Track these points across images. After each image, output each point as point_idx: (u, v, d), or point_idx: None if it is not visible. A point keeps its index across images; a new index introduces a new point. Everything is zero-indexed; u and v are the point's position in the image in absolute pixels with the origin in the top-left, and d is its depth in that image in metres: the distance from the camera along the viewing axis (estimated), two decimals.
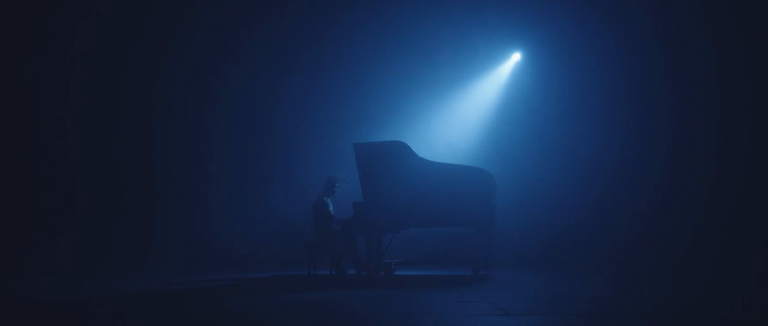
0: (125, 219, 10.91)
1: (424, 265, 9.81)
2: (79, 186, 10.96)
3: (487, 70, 11.32)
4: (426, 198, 8.09)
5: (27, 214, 10.65)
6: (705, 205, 10.04)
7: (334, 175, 8.97)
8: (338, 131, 10.84)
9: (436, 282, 7.66)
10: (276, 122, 11.34)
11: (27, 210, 10.68)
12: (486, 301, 5.47)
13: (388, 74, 11.07)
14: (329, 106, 11.21)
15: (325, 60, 11.24)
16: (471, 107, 11.31)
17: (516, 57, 11.24)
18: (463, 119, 11.28)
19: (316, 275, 8.37)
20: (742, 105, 10.19)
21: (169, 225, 10.94)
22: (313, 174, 9.85)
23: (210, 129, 11.31)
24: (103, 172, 11.03)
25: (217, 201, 11.12)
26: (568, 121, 10.77)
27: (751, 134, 10.13)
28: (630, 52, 10.69)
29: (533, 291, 6.45)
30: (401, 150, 8.23)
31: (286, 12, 11.05)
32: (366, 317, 4.72)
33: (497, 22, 10.86)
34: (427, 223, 8.27)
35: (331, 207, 8.73)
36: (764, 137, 10.07)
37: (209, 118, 11.31)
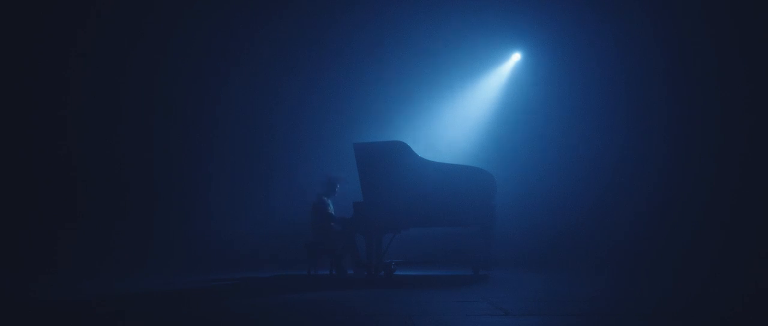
0: (125, 219, 10.91)
1: (424, 265, 9.81)
2: (79, 186, 10.96)
3: (487, 70, 11.32)
4: (426, 198, 8.08)
5: (27, 214, 10.65)
6: (705, 205, 10.04)
7: (336, 175, 8.96)
8: (338, 131, 10.84)
9: (436, 282, 7.65)
10: (276, 122, 11.34)
11: (27, 210, 10.69)
12: (486, 301, 5.46)
13: (388, 74, 11.07)
14: (329, 106, 11.21)
15: (325, 60, 11.24)
16: (471, 107, 11.32)
17: (516, 57, 11.24)
18: (463, 119, 11.28)
19: (316, 275, 8.37)
20: (742, 105, 10.19)
21: (169, 225, 10.94)
22: (313, 174, 9.84)
23: (210, 129, 11.31)
24: (103, 172, 11.04)
25: (217, 201, 11.12)
26: (568, 121, 10.77)
27: (751, 134, 10.13)
28: (630, 52, 10.69)
29: (533, 291, 6.45)
30: (401, 150, 8.23)
31: (286, 12, 11.05)
32: (366, 317, 4.71)
33: (497, 22, 10.86)
34: (427, 223, 8.27)
35: (332, 207, 8.73)
36: (764, 137, 10.07)
37: (209, 118, 11.31)
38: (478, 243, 8.28)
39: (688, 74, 10.52)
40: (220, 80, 11.22)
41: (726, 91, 10.28)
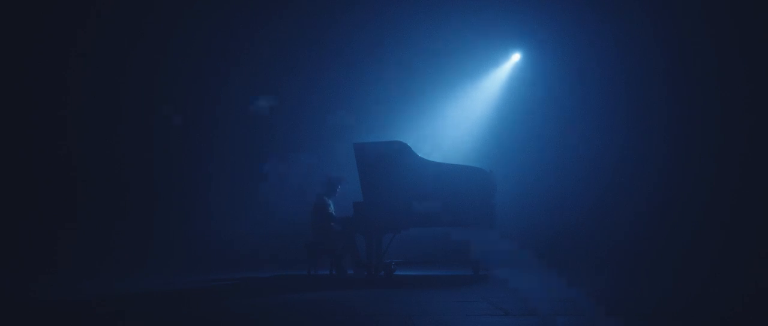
0: (125, 219, 10.91)
1: (424, 265, 9.81)
2: (79, 186, 10.96)
3: (487, 70, 11.32)
4: (426, 198, 8.09)
5: (27, 214, 10.65)
6: (705, 205, 10.04)
7: (336, 175, 8.97)
8: (338, 131, 10.84)
9: (436, 282, 7.65)
10: (276, 122, 11.34)
11: (27, 210, 10.68)
12: (486, 301, 5.46)
13: (388, 74, 11.07)
14: (329, 106, 11.21)
15: (325, 60, 11.23)
16: (471, 107, 11.31)
17: (516, 57, 11.24)
18: (463, 119, 11.28)
19: (316, 275, 8.37)
20: (742, 105, 10.19)
21: (169, 225, 10.94)
22: (313, 174, 9.84)
23: (210, 129, 11.30)
24: (103, 172, 11.04)
25: (217, 201, 11.12)
26: (568, 121, 10.77)
27: (751, 134, 10.13)
28: (630, 52, 10.69)
29: (533, 291, 6.45)
30: (401, 150, 8.23)
31: (286, 12, 11.05)
32: (366, 317, 4.72)
33: (497, 22, 10.85)
34: (427, 223, 8.27)
35: (332, 207, 8.73)
36: (764, 137, 10.07)
37: (209, 118, 11.31)
38: None
39: (688, 74, 10.51)
40: (220, 80, 11.22)
41: (726, 91, 10.28)
